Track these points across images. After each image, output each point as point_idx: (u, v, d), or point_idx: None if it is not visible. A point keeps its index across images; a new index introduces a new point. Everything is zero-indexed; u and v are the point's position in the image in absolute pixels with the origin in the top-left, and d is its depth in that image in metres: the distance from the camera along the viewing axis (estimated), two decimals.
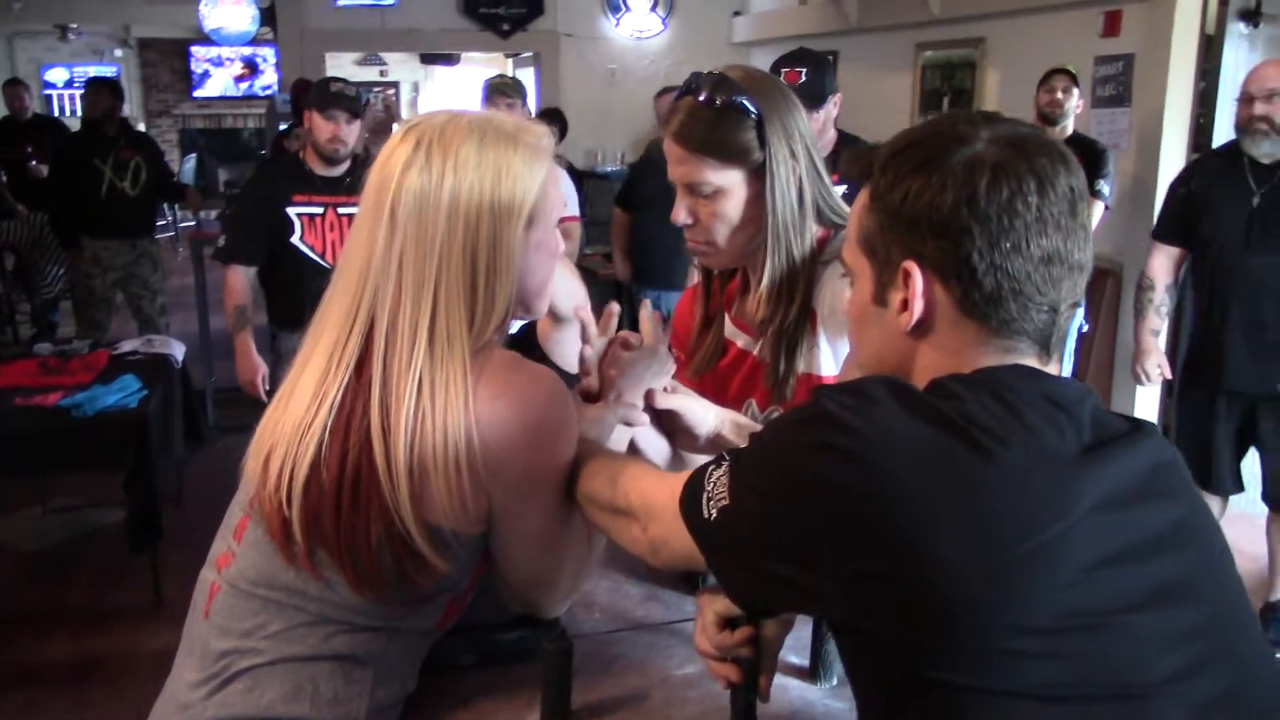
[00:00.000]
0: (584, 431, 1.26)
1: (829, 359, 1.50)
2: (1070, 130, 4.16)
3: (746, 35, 7.76)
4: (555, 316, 1.96)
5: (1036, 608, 0.78)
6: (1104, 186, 4.06)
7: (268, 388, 3.52)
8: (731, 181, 1.43)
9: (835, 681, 1.30)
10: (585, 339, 1.39)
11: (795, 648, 1.29)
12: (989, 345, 0.90)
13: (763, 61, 7.59)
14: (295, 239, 3.47)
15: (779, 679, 1.19)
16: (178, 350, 4.30)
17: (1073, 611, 0.78)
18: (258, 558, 1.17)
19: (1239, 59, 4.32)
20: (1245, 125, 3.05)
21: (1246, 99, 3.06)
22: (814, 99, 2.90)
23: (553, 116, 5.59)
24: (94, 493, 4.39)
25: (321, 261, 3.49)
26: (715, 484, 0.94)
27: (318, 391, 1.15)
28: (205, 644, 1.17)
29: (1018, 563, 0.78)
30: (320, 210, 3.49)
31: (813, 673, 1.31)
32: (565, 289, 1.96)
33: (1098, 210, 4.05)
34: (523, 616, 1.40)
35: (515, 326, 2.46)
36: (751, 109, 1.41)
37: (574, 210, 3.94)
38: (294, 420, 1.15)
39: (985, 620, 0.78)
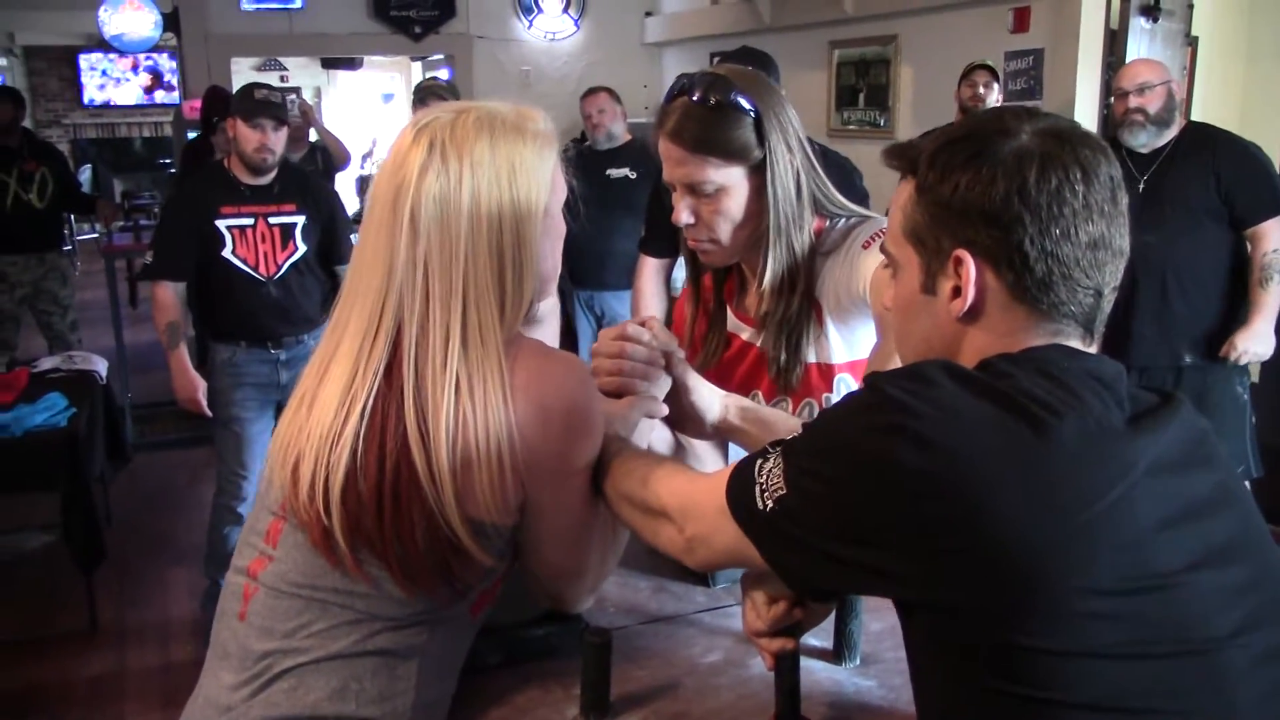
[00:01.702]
0: (611, 429, 1.27)
1: (840, 347, 1.54)
2: None
3: (659, 36, 7.80)
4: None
5: (1105, 569, 0.82)
6: None
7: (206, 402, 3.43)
8: (733, 179, 1.45)
9: (859, 661, 1.33)
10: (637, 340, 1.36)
11: (817, 631, 1.32)
12: (1038, 328, 0.94)
13: (676, 60, 7.68)
14: (226, 252, 3.39)
15: (805, 661, 1.22)
16: (100, 366, 4.17)
17: (1139, 573, 0.83)
18: (300, 560, 1.15)
19: (1141, 52, 4.51)
20: (1122, 119, 3.25)
21: (1120, 94, 3.27)
22: None
23: None
24: (16, 517, 4.22)
25: (254, 273, 3.42)
26: (768, 475, 0.96)
27: (344, 398, 1.14)
28: (244, 646, 1.16)
29: (1084, 527, 0.82)
30: (250, 221, 3.41)
31: (836, 654, 1.34)
32: None
33: None
34: (545, 614, 1.40)
35: None
36: (748, 106, 1.43)
37: None
38: (322, 428, 1.14)
39: (1059, 584, 0.81)
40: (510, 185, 1.16)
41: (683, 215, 1.48)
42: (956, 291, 0.95)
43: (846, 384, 1.56)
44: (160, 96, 12.48)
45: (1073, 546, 0.82)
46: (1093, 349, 0.96)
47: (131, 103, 12.58)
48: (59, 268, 5.42)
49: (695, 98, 1.43)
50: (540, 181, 1.17)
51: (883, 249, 1.05)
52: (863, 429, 0.89)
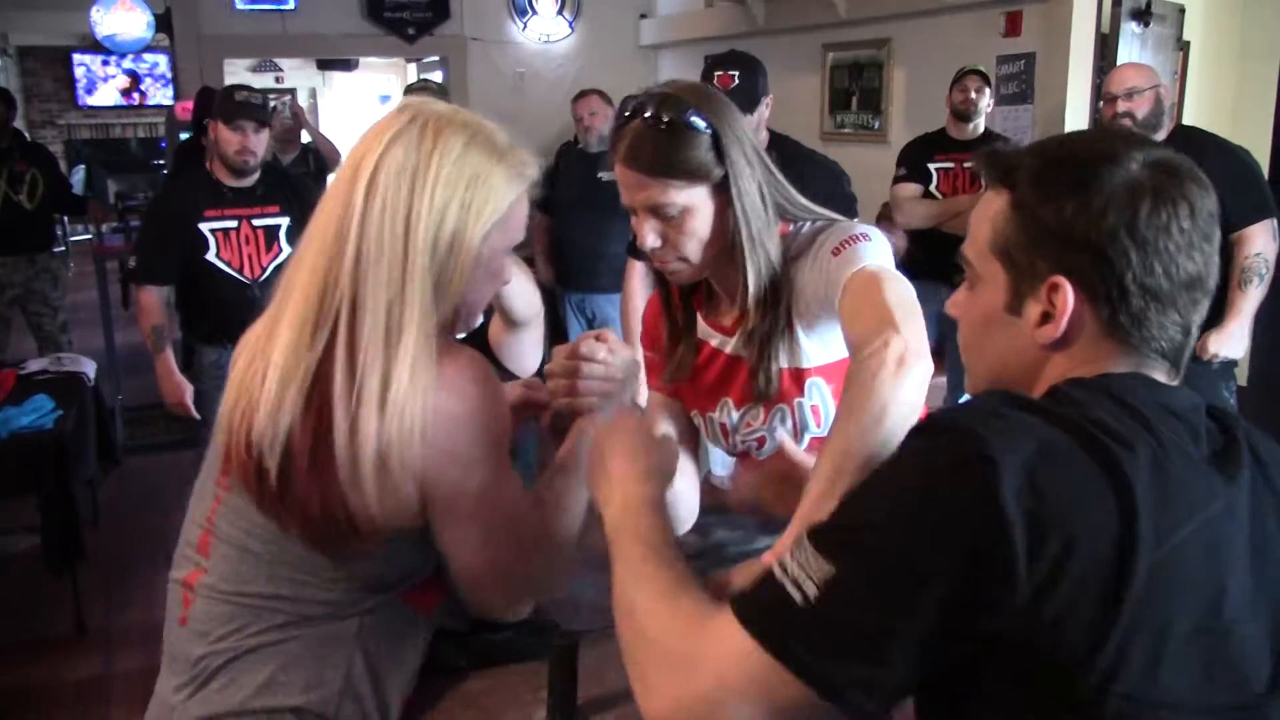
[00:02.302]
0: (566, 449, 1.29)
1: (811, 351, 1.53)
2: (982, 128, 4.30)
3: (654, 38, 7.81)
4: (510, 321, 1.97)
5: (1175, 613, 0.79)
6: None
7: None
8: (697, 199, 1.42)
9: None
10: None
11: None
12: (1123, 360, 0.92)
13: (672, 62, 7.68)
14: (210, 255, 3.38)
15: None
16: (89, 368, 4.15)
17: (1207, 618, 0.81)
18: (228, 570, 1.21)
19: (1132, 56, 4.51)
20: (1110, 123, 3.24)
21: (1109, 99, 3.26)
22: (748, 102, 2.93)
23: None
24: (1, 520, 4.21)
25: (239, 276, 3.41)
26: (799, 568, 0.83)
27: (289, 363, 1.16)
28: (184, 650, 1.22)
29: (1155, 565, 0.79)
30: (234, 224, 3.40)
31: None
32: (522, 294, 1.97)
33: None
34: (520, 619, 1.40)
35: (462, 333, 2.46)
36: (704, 124, 1.39)
37: None
38: (267, 399, 1.16)
39: (1131, 624, 0.78)
40: (467, 189, 1.17)
41: (648, 239, 1.45)
42: (1045, 317, 0.92)
43: (818, 388, 1.55)
44: (139, 98, 12.44)
45: (1144, 584, 0.78)
46: (1175, 383, 0.95)
47: (126, 103, 12.57)
48: (50, 269, 5.40)
49: (648, 119, 1.39)
50: (496, 205, 1.19)
51: (961, 258, 1.01)
52: (928, 469, 0.82)
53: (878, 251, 1.40)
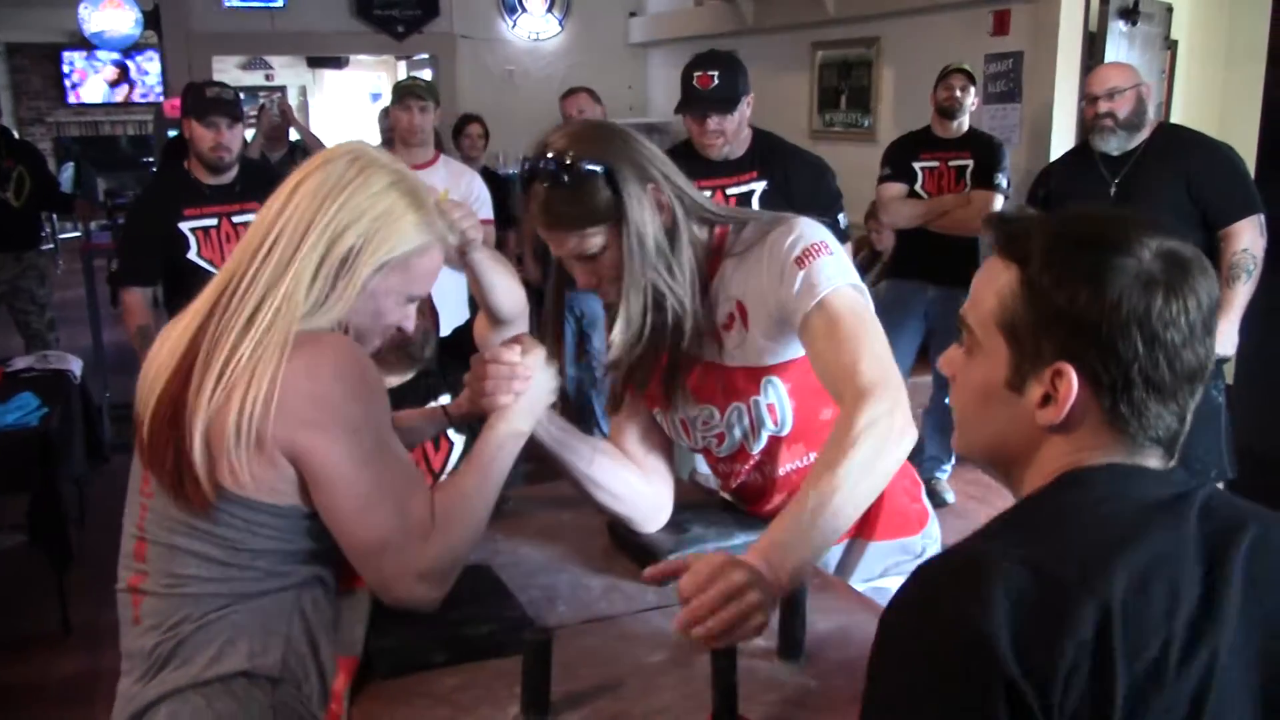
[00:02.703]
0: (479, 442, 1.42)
1: (767, 349, 1.54)
2: (966, 126, 4.31)
3: (643, 36, 7.82)
4: (495, 319, 1.97)
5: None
6: (1001, 179, 4.21)
7: None
8: (612, 235, 1.45)
9: (803, 661, 1.33)
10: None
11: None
12: (1120, 447, 0.93)
13: (661, 61, 7.69)
14: (192, 254, 3.36)
15: (748, 661, 1.22)
16: (75, 366, 4.14)
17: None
18: (163, 566, 1.30)
19: (1119, 55, 4.53)
20: (1092, 123, 3.26)
21: (1090, 99, 3.27)
22: (727, 103, 2.93)
23: (472, 121, 5.56)
24: None
25: (216, 272, 3.40)
26: None
27: (177, 342, 1.30)
28: (140, 646, 1.32)
29: (1139, 686, 0.82)
30: (214, 221, 3.38)
31: (780, 653, 1.34)
32: (507, 293, 1.98)
33: (998, 201, 4.20)
34: (491, 613, 1.40)
35: (447, 330, 2.46)
36: (598, 167, 1.42)
37: (487, 214, 3.91)
38: (149, 369, 1.32)
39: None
40: (373, 221, 1.28)
41: (583, 283, 1.51)
42: (1047, 399, 0.93)
43: (774, 386, 1.56)
44: (141, 95, 12.39)
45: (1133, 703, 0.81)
46: (1171, 464, 0.96)
47: (116, 101, 12.53)
48: (37, 266, 5.38)
49: (546, 180, 1.43)
50: (397, 244, 1.30)
51: (962, 324, 1.01)
52: (932, 658, 0.84)
53: (840, 267, 1.44)
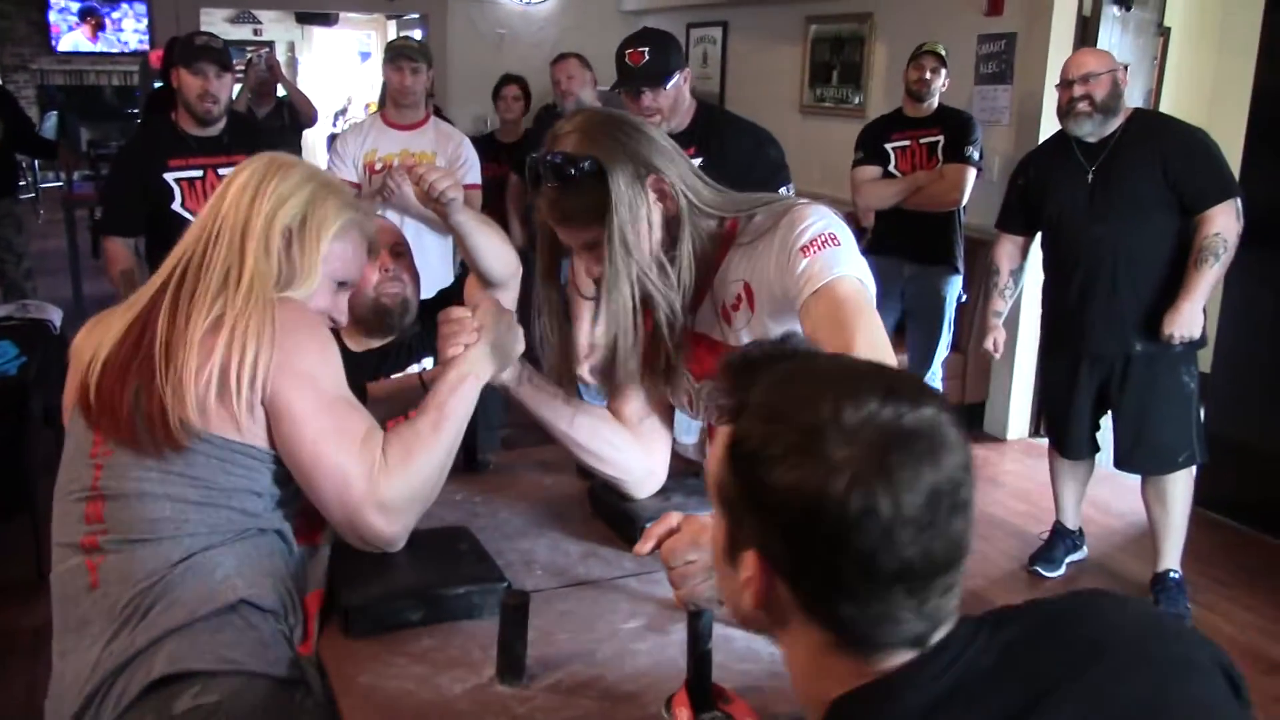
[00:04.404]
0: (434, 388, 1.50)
1: (776, 331, 1.54)
2: (935, 105, 4.31)
3: (636, 4, 7.74)
4: (486, 281, 1.98)
5: None
6: (973, 152, 4.22)
7: None
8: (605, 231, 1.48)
9: None
10: None
11: None
12: (854, 653, 0.80)
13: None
14: (176, 205, 3.32)
15: (723, 629, 1.23)
16: (55, 316, 4.10)
17: None
18: (129, 516, 1.34)
19: (1112, 40, 4.53)
20: (1067, 108, 3.24)
21: (1065, 84, 3.25)
22: (656, 78, 2.93)
23: (510, 82, 5.46)
24: None
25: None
26: None
27: (120, 319, 1.41)
28: (106, 607, 1.33)
29: None
30: (199, 173, 3.35)
31: None
32: (497, 255, 1.98)
33: (970, 175, 4.21)
34: (468, 574, 1.41)
35: (431, 291, 2.46)
36: (590, 165, 1.45)
37: (475, 179, 3.89)
38: (93, 341, 1.41)
39: None
40: (306, 204, 1.48)
41: (592, 269, 1.53)
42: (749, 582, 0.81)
43: None
44: (124, 43, 12.19)
45: None
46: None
47: (101, 50, 12.33)
48: (13, 214, 5.27)
49: (549, 183, 1.47)
50: (331, 218, 1.49)
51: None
52: None
53: (847, 259, 1.44)
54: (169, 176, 3.30)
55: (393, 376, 2.10)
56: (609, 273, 1.47)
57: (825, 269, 1.42)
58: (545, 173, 1.46)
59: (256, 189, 1.47)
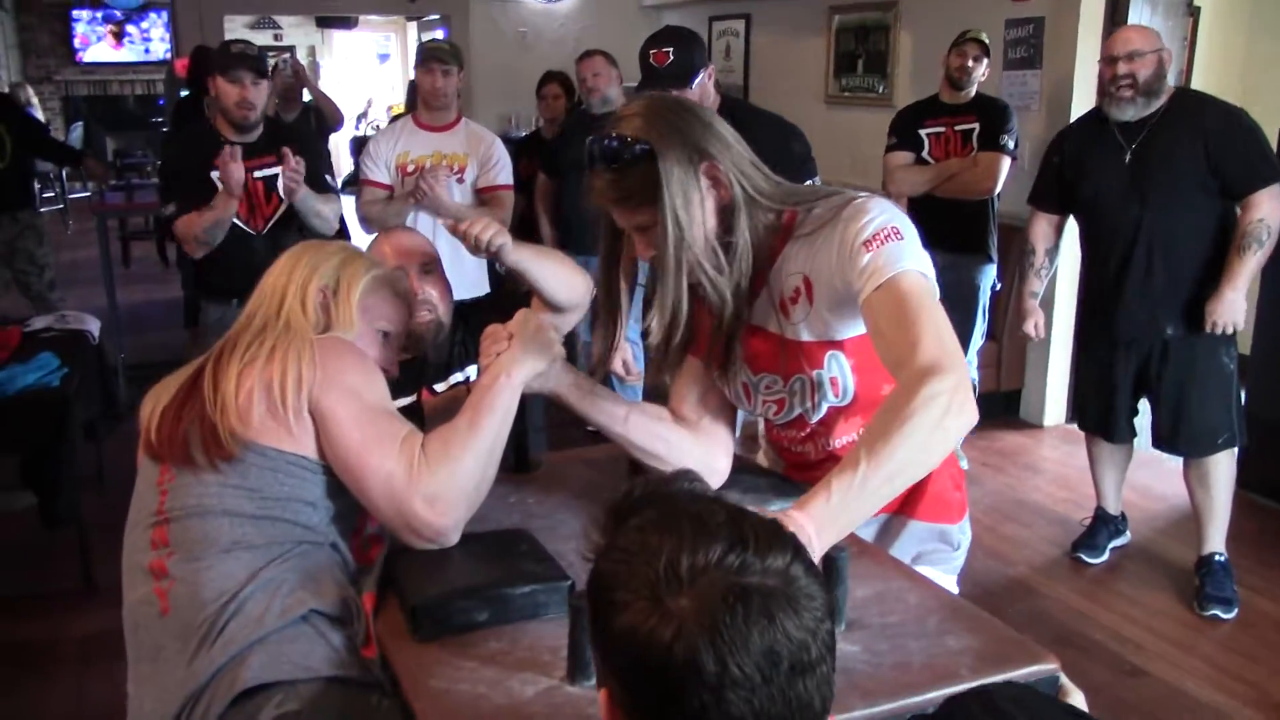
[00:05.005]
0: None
1: (836, 325, 1.55)
2: (974, 94, 4.28)
3: None
4: (549, 305, 1.95)
5: None
6: (1008, 141, 4.19)
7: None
8: (657, 215, 1.48)
9: (844, 626, 1.34)
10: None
11: None
12: None
13: (675, 23, 7.61)
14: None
15: None
16: (93, 326, 4.14)
17: None
18: (196, 533, 1.42)
19: (1142, 21, 4.46)
20: (1109, 86, 3.17)
21: (1109, 60, 3.17)
22: (681, 78, 2.93)
23: (550, 81, 5.42)
24: (4, 476, 4.21)
25: (245, 228, 3.42)
26: None
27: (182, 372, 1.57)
28: (179, 631, 1.39)
29: None
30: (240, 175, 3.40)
31: None
32: (562, 282, 1.94)
33: (1005, 164, 4.18)
34: (531, 574, 1.42)
35: (464, 295, 2.45)
36: (643, 150, 1.45)
37: (506, 179, 3.90)
38: (158, 393, 1.56)
39: None
40: (333, 269, 1.65)
41: (644, 251, 1.53)
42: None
43: (838, 361, 1.57)
44: (127, 55, 12.26)
45: None
46: None
47: (124, 60, 12.43)
48: (34, 226, 5.26)
49: (603, 164, 1.47)
50: (357, 283, 1.65)
51: None
52: None
53: (911, 252, 1.43)
54: (215, 175, 3.35)
55: (438, 389, 2.11)
56: (659, 256, 1.48)
57: (889, 263, 1.41)
58: (598, 155, 1.47)
59: (293, 267, 1.63)
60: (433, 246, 2.17)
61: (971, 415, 1.33)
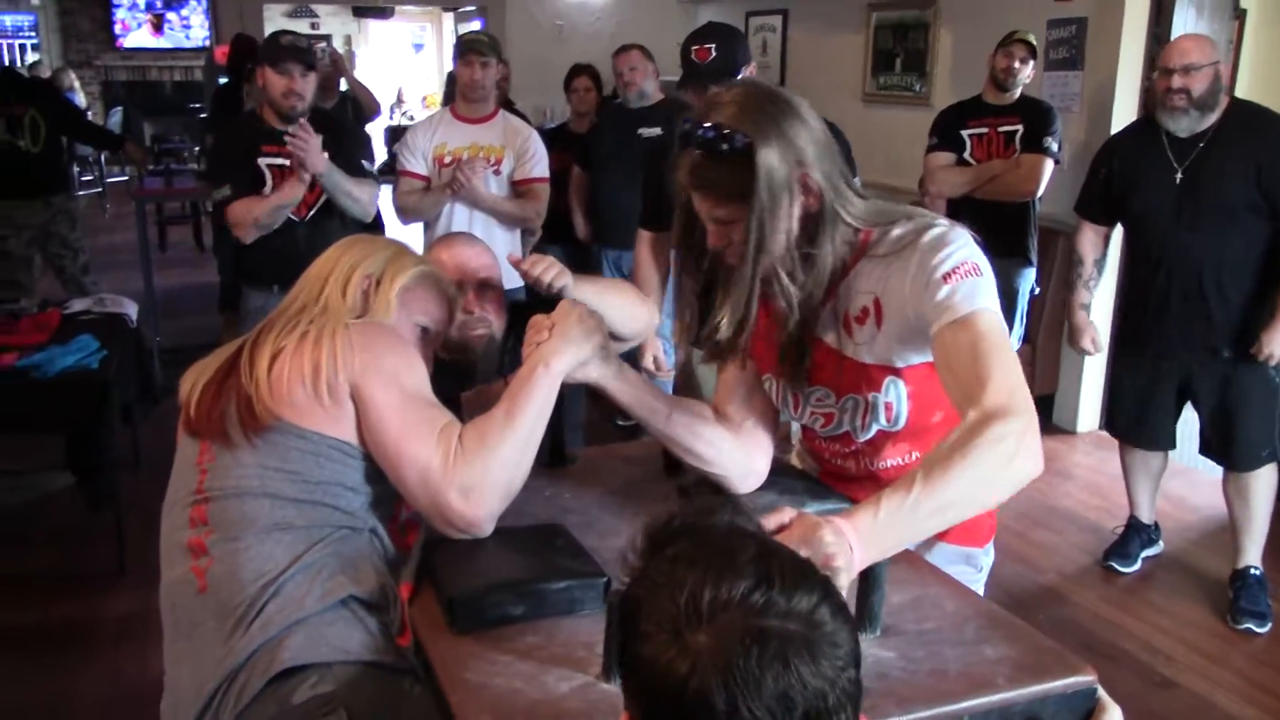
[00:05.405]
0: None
1: (900, 352, 1.53)
2: (1018, 95, 4.24)
3: None
4: (619, 339, 1.94)
5: None
6: (1052, 143, 4.15)
7: None
8: (743, 213, 1.45)
9: (879, 632, 1.34)
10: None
11: None
12: None
13: (711, 17, 7.56)
14: (266, 191, 3.41)
15: None
16: (130, 309, 4.19)
17: None
18: (234, 513, 1.42)
19: (1187, 24, 4.42)
20: (1163, 99, 3.10)
21: (1165, 72, 3.09)
22: (723, 75, 2.91)
23: (580, 74, 5.39)
24: (39, 456, 4.27)
25: (289, 214, 3.44)
26: None
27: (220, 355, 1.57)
28: (217, 610, 1.40)
29: None
30: (286, 162, 3.42)
31: (857, 625, 1.34)
32: (625, 315, 1.93)
33: (1048, 166, 4.14)
34: (567, 569, 1.42)
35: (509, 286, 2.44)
36: (742, 144, 1.41)
37: (542, 172, 3.90)
38: (196, 371, 1.56)
39: None
40: (386, 263, 1.65)
41: (716, 242, 1.51)
42: None
43: (896, 387, 1.56)
44: (189, 38, 12.37)
45: None
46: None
47: (163, 46, 12.52)
48: (67, 210, 5.30)
49: (700, 148, 1.44)
50: (402, 275, 1.65)
51: None
52: None
53: (988, 291, 1.42)
54: (262, 162, 3.41)
55: (478, 387, 2.10)
56: (737, 256, 1.46)
57: (966, 300, 1.39)
58: (697, 139, 1.43)
59: (341, 255, 1.65)
60: (493, 257, 2.13)
61: (1037, 463, 1.31)
